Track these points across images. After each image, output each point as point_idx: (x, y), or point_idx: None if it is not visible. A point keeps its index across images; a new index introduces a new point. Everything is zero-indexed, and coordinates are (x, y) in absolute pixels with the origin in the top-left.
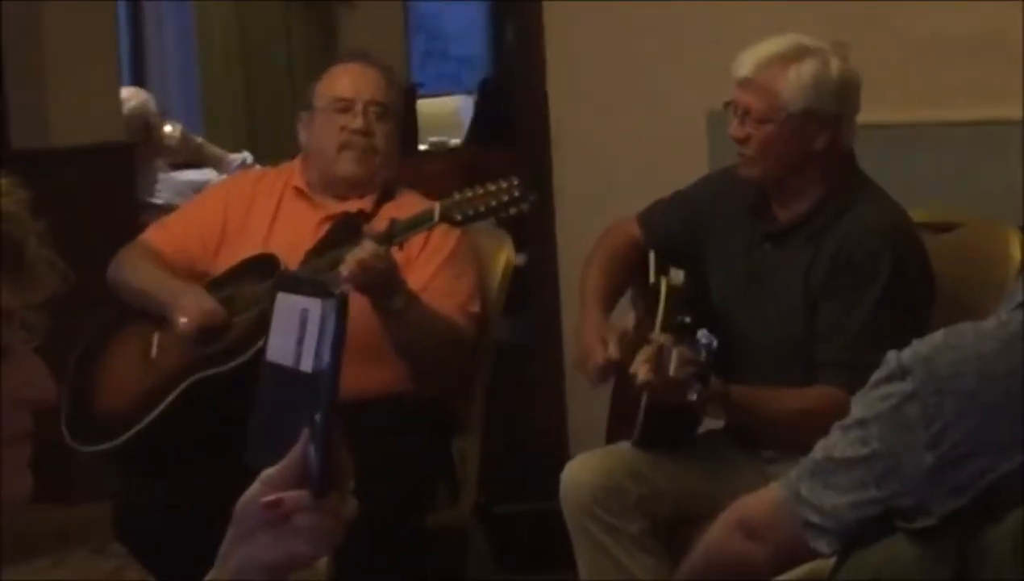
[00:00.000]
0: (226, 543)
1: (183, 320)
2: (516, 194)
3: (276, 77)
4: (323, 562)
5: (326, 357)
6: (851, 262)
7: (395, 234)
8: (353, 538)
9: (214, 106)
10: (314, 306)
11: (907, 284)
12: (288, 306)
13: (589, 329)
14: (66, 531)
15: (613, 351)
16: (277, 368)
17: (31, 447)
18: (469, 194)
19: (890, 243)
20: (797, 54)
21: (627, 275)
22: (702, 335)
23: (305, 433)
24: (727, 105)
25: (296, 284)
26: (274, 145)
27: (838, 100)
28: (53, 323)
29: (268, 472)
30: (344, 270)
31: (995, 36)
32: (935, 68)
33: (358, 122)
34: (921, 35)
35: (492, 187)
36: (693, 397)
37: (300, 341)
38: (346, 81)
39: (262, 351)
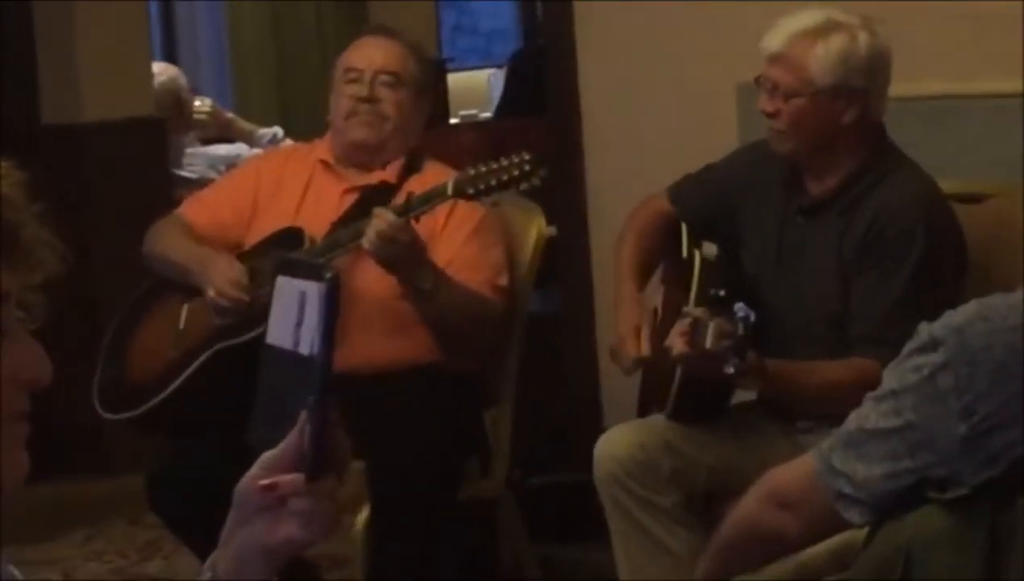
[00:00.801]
0: (227, 525)
1: (210, 289)
2: (528, 168)
3: (307, 52)
4: (358, 533)
5: (318, 341)
6: (884, 235)
7: (411, 207)
8: (387, 510)
9: (245, 81)
10: (311, 289)
11: (940, 256)
12: (288, 289)
13: (625, 312)
14: (102, 503)
15: (645, 349)
16: (277, 351)
17: (27, 428)
18: (483, 169)
19: (923, 216)
20: (825, 29)
21: (660, 249)
22: (739, 308)
23: (303, 416)
24: (757, 80)
25: (295, 267)
26: (305, 120)
27: (866, 75)
28: (89, 297)
29: (267, 455)
30: (365, 243)
31: (997, 9)
32: (938, 41)
33: (364, 91)
34: (933, 8)
35: (505, 162)
36: (730, 370)
37: (299, 324)
38: (358, 53)
39: None
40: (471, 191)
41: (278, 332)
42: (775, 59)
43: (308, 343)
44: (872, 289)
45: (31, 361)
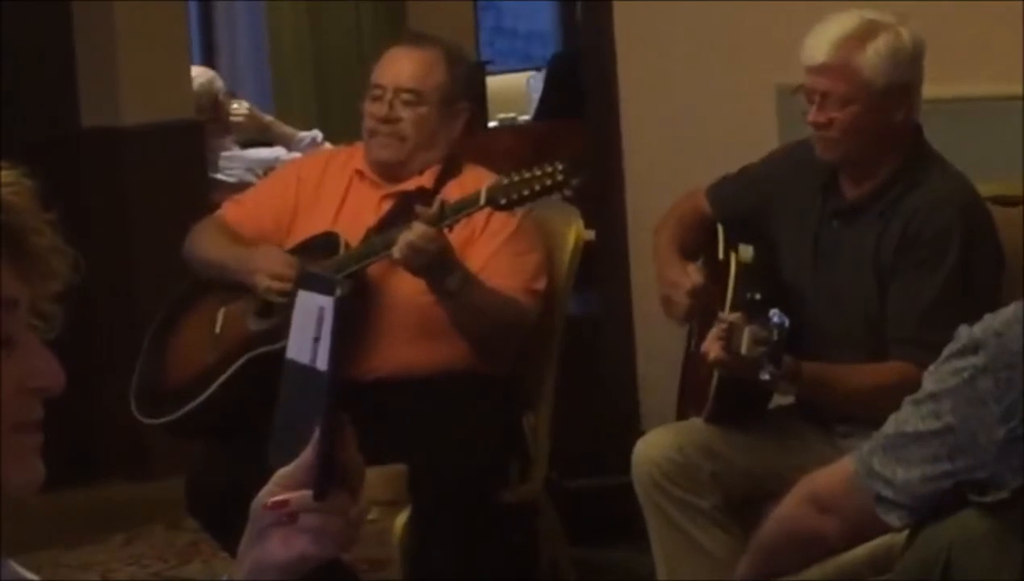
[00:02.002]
0: (244, 540)
1: (260, 276)
2: (560, 178)
3: (345, 55)
4: (396, 536)
5: (326, 356)
6: (921, 238)
7: (444, 217)
8: (427, 513)
9: (284, 84)
10: (327, 304)
11: (977, 259)
12: (307, 304)
13: (669, 267)
14: (141, 507)
15: (696, 277)
16: (296, 366)
17: (40, 436)
18: (516, 178)
19: (960, 218)
20: (869, 30)
21: (698, 241)
22: (774, 314)
23: (317, 432)
24: (795, 91)
25: (314, 281)
26: (344, 123)
27: (912, 70)
28: (127, 301)
29: (282, 471)
30: (396, 253)
31: (997, 11)
32: (976, 41)
33: (382, 110)
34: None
35: (537, 171)
36: (766, 376)
37: (317, 339)
38: (383, 68)
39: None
40: (503, 201)
41: (297, 347)
42: (822, 69)
43: (325, 358)
44: (909, 292)
45: (40, 369)
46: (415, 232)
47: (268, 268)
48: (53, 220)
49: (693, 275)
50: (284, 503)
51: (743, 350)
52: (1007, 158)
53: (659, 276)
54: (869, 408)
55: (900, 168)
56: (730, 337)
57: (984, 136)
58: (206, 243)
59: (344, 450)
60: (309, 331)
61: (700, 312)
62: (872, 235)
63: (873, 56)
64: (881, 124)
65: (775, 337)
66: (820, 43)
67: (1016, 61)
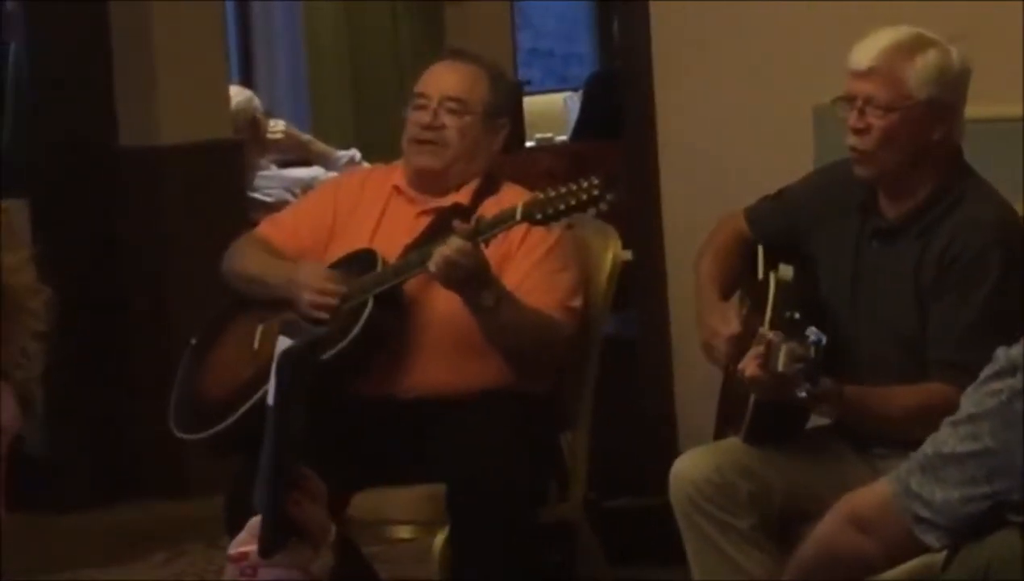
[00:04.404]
0: None
1: (304, 292)
2: (596, 193)
3: (383, 76)
4: (435, 555)
5: (273, 409)
6: (960, 259)
7: (480, 231)
8: (466, 532)
9: (322, 104)
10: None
11: (1016, 280)
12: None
13: (710, 310)
14: (181, 525)
15: (735, 325)
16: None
17: (1, 471)
18: (552, 193)
19: (999, 239)
20: (920, 44)
21: (739, 267)
22: (811, 332)
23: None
24: (836, 101)
25: (293, 330)
26: (382, 143)
27: (956, 91)
28: (164, 321)
29: (253, 520)
30: (432, 267)
31: (995, 32)
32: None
33: (427, 117)
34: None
35: (573, 186)
36: (802, 394)
37: None
38: (427, 78)
39: (355, 341)
40: (539, 216)
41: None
42: (868, 74)
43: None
44: (949, 313)
45: None
46: (451, 246)
47: (313, 284)
48: (32, 257)
49: (732, 323)
50: (244, 555)
51: (780, 367)
52: (1008, 181)
53: (699, 320)
54: (908, 429)
55: (939, 188)
56: (768, 355)
57: (985, 158)
58: (246, 259)
59: (299, 505)
60: None
61: (739, 341)
62: (912, 255)
63: (920, 68)
64: (918, 139)
65: (812, 354)
66: (869, 48)
67: (1016, 83)
